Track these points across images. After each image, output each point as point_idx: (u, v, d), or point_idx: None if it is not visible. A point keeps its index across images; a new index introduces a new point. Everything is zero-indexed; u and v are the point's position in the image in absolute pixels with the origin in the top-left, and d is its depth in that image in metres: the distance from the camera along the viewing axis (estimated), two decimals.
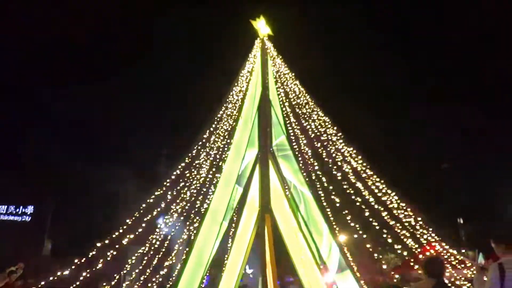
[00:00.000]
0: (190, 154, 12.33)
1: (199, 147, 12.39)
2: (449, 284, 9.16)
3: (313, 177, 12.34)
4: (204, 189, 12.13)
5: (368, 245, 12.42)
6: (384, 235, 11.70)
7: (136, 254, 11.59)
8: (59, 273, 9.75)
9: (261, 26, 13.90)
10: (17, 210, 29.14)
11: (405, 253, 12.19)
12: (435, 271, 4.14)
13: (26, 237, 26.40)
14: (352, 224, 11.66)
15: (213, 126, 12.74)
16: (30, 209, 29.27)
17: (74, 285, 9.91)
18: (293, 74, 14.03)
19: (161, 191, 11.57)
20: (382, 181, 12.01)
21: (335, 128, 12.99)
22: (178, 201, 11.84)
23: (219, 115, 12.97)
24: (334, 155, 12.53)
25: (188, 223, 12.20)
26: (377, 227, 11.69)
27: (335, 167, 12.32)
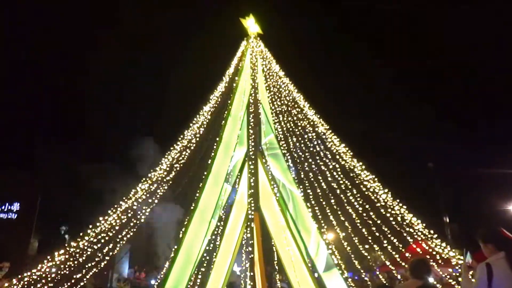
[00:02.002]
0: (177, 152, 12.27)
1: (186, 144, 12.33)
2: (435, 283, 9.27)
3: (302, 176, 12.35)
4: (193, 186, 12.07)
5: (356, 242, 12.46)
6: (372, 233, 11.75)
7: (125, 252, 11.53)
8: (43, 269, 9.64)
9: (251, 24, 13.90)
10: (3, 207, 28.59)
11: (392, 252, 12.26)
12: (421, 273, 4.21)
13: (12, 235, 25.94)
14: (341, 222, 11.68)
15: (202, 124, 12.69)
16: (16, 206, 28.76)
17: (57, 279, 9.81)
18: (282, 72, 14.04)
19: (149, 189, 11.51)
20: (370, 180, 12.07)
21: (324, 126, 13.03)
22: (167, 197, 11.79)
23: (207, 113, 12.92)
24: (322, 153, 12.56)
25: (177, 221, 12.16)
26: (365, 225, 11.72)
27: (323, 165, 12.34)
